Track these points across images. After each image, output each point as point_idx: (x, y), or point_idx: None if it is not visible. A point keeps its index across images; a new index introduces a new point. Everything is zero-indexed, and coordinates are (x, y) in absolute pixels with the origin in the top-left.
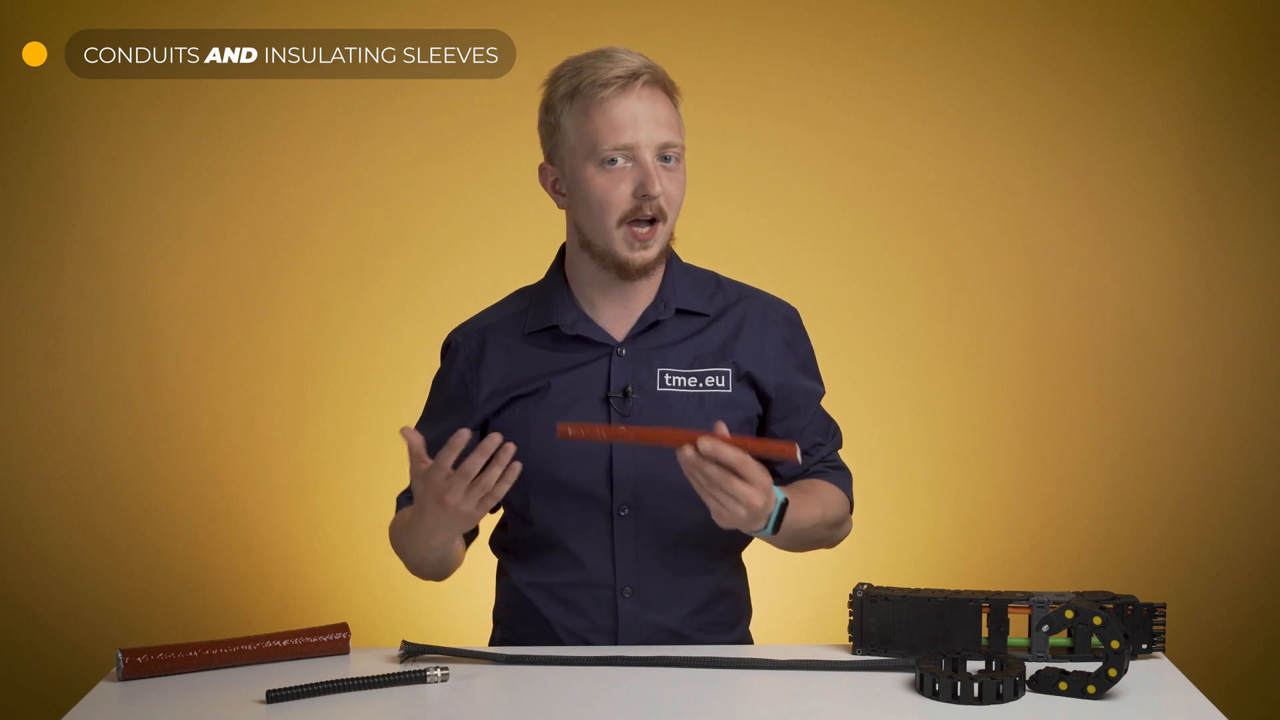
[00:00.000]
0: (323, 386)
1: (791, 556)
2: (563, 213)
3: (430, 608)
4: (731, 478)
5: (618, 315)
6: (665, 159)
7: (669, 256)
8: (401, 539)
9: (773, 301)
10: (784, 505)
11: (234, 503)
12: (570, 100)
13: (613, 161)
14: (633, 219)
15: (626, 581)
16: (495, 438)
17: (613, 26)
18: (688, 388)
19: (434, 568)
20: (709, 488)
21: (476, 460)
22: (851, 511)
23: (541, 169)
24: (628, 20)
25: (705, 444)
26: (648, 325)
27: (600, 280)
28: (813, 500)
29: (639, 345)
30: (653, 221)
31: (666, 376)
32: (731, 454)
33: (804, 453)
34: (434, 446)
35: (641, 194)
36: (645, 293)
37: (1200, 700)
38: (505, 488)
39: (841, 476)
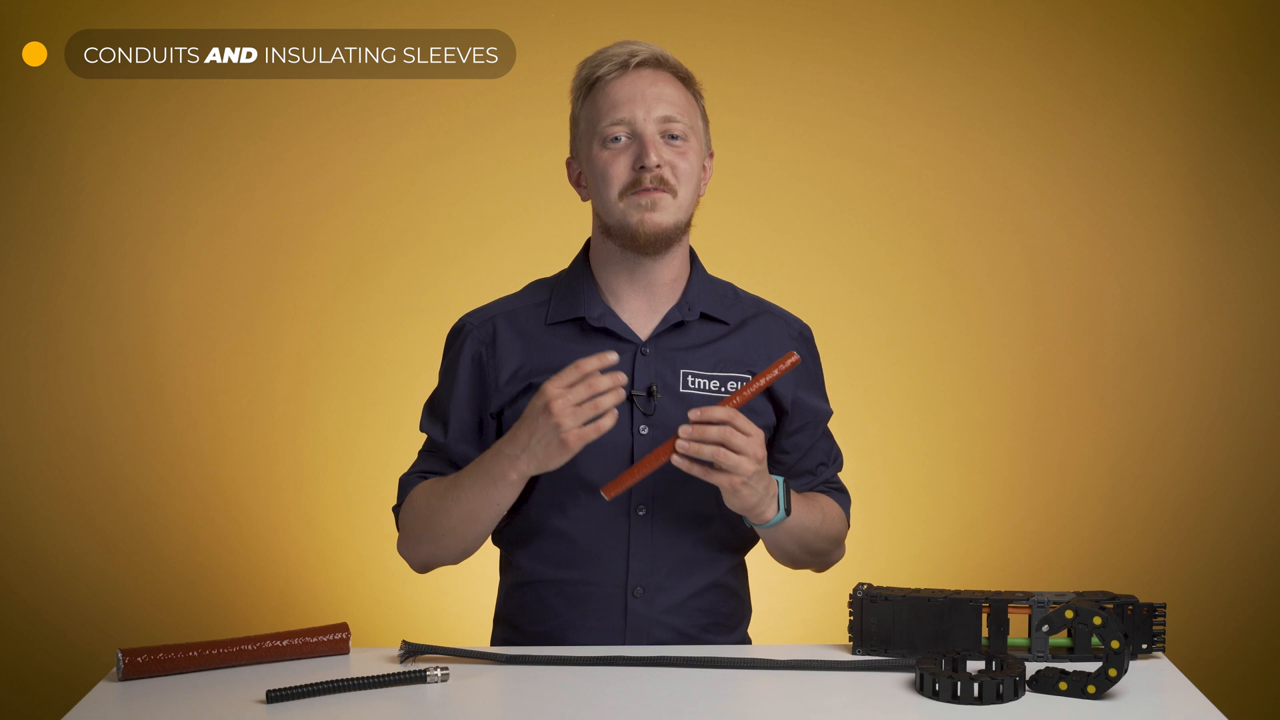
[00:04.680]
0: (323, 386)
1: None
2: (563, 214)
3: (430, 608)
4: (730, 431)
5: (642, 312)
6: (672, 136)
7: (692, 262)
8: (434, 508)
9: (789, 318)
10: (785, 482)
11: (234, 503)
12: (584, 90)
13: (615, 140)
14: (634, 190)
15: (639, 581)
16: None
17: (613, 27)
18: (710, 390)
19: (459, 541)
20: (717, 459)
21: (592, 363)
22: (845, 534)
23: (568, 163)
24: (627, 21)
25: (692, 416)
26: (671, 325)
27: (625, 269)
28: (813, 506)
29: (662, 345)
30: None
31: (689, 378)
32: (720, 411)
33: (808, 473)
34: (457, 439)
35: (639, 165)
36: (669, 292)
37: (1200, 700)
38: (608, 409)
39: (842, 497)
